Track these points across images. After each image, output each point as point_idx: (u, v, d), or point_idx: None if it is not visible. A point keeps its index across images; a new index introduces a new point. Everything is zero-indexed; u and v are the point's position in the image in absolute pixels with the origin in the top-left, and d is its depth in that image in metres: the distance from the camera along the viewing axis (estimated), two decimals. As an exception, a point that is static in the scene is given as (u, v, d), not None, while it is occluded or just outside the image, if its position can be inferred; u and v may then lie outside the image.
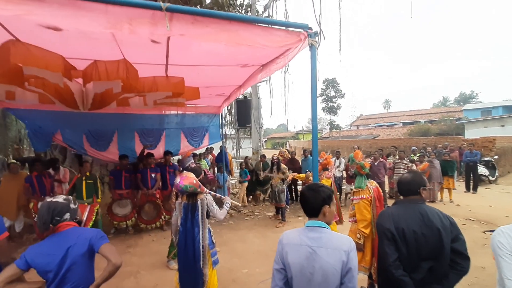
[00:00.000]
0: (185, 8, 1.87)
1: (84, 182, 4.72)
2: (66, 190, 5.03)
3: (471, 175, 8.91)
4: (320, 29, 2.35)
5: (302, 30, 2.17)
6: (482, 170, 9.93)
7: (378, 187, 3.00)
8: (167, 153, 5.80)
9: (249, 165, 7.78)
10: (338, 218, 3.95)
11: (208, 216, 2.63)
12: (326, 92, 39.40)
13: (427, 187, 1.84)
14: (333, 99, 39.45)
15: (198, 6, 6.70)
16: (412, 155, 9.08)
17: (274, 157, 6.16)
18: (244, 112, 9.54)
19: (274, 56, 2.86)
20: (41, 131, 5.02)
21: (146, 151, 5.65)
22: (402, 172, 6.97)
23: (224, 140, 7.10)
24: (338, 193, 6.35)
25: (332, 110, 39.64)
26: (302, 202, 1.51)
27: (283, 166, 6.01)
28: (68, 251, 1.54)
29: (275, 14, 8.34)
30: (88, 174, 4.83)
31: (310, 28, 2.18)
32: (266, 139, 50.48)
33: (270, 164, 6.44)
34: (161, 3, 1.73)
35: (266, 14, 8.67)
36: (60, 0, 1.60)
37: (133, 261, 4.06)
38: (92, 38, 2.38)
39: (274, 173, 5.90)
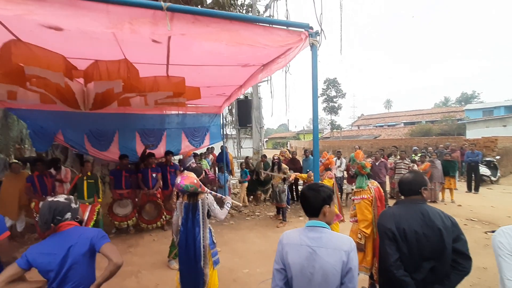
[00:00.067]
0: (186, 8, 1.88)
1: (85, 182, 4.73)
2: (67, 190, 5.04)
3: (473, 175, 8.88)
4: (321, 29, 2.35)
5: (303, 30, 2.17)
6: (483, 170, 9.89)
7: (379, 187, 2.99)
8: (168, 153, 5.81)
9: (250, 165, 7.77)
10: (342, 217, 3.94)
11: (209, 216, 2.63)
12: (327, 92, 39.36)
13: (428, 187, 1.83)
14: (334, 99, 39.40)
15: (199, 6, 6.71)
16: (413, 155, 9.06)
17: (275, 157, 6.15)
18: (245, 112, 9.55)
19: (275, 55, 2.86)
20: (42, 131, 5.04)
21: (147, 151, 5.65)
22: (403, 172, 6.95)
23: (225, 140, 7.09)
24: (339, 193, 6.34)
25: (333, 110, 39.60)
26: (302, 202, 1.50)
27: (284, 166, 6.00)
28: (69, 250, 1.54)
29: (276, 14, 8.33)
30: (89, 174, 4.85)
31: (311, 28, 2.18)
32: (267, 139, 50.49)
33: (271, 164, 6.44)
34: (162, 3, 1.73)
35: (267, 14, 8.67)
36: (61, 0, 1.60)
37: (134, 261, 4.07)
38: (93, 38, 2.38)
39: (275, 172, 5.90)
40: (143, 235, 5.22)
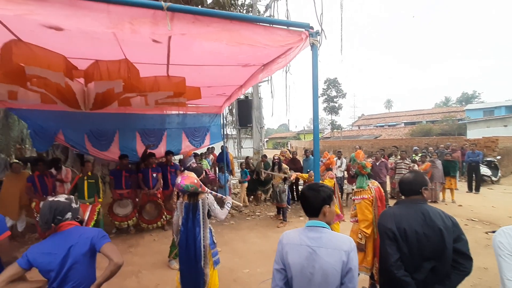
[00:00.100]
0: (186, 8, 1.88)
1: (85, 182, 4.74)
2: (68, 190, 5.05)
3: (474, 175, 8.86)
4: (322, 29, 2.35)
5: (303, 30, 2.16)
6: (484, 170, 9.88)
7: (380, 187, 2.99)
8: (169, 153, 5.81)
9: (250, 165, 7.77)
10: (343, 218, 3.94)
11: (209, 216, 2.63)
12: (327, 92, 39.34)
13: (428, 187, 1.83)
14: (335, 99, 39.36)
15: (200, 6, 6.71)
16: (414, 155, 9.05)
17: (275, 157, 6.15)
18: (246, 112, 9.54)
19: (276, 55, 2.86)
20: (43, 131, 5.05)
21: (148, 151, 5.66)
22: (403, 172, 6.95)
23: (225, 140, 7.10)
24: (339, 193, 6.33)
25: (333, 110, 39.56)
26: (302, 202, 1.50)
27: (284, 166, 6.00)
28: (69, 250, 1.54)
29: (276, 14, 8.33)
30: (89, 173, 4.85)
31: (312, 28, 2.18)
32: (267, 139, 50.46)
33: (271, 164, 6.44)
34: (162, 3, 1.74)
35: (267, 14, 8.67)
36: (62, 0, 1.60)
37: (135, 261, 4.07)
38: (94, 38, 2.38)
39: (275, 172, 5.90)
40: (144, 235, 5.22)
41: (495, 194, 8.66)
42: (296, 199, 7.64)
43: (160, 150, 6.16)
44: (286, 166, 6.05)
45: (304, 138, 41.98)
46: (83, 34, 2.27)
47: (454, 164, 7.77)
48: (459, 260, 1.63)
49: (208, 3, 7.43)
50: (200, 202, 2.56)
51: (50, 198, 1.65)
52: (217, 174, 7.04)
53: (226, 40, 1.99)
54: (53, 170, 5.16)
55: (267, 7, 8.68)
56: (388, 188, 7.70)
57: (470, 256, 1.64)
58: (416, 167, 6.98)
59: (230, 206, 2.80)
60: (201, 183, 2.57)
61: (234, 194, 8.21)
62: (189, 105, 5.84)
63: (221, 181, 6.84)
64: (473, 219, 5.91)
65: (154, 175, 5.36)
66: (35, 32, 2.19)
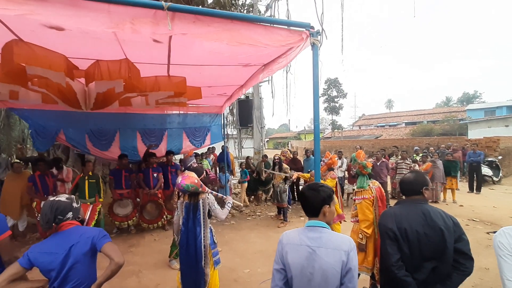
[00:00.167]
0: (187, 8, 1.88)
1: (86, 182, 4.75)
2: (69, 190, 5.06)
3: (475, 175, 8.84)
4: (322, 28, 2.35)
5: (304, 29, 2.16)
6: (485, 170, 9.85)
7: (381, 187, 2.98)
8: (169, 153, 5.81)
9: (251, 165, 7.77)
10: (344, 218, 3.94)
11: (209, 215, 2.64)
12: (328, 92, 39.24)
13: (429, 187, 1.82)
14: (335, 99, 39.27)
15: (200, 6, 6.70)
16: (414, 155, 9.04)
17: (276, 157, 6.15)
18: (246, 112, 9.54)
19: (276, 55, 2.85)
20: (44, 131, 5.07)
21: (149, 151, 5.66)
22: (404, 172, 6.94)
23: (226, 140, 7.10)
24: (341, 193, 6.33)
25: (334, 110, 39.47)
26: (302, 202, 1.50)
27: (285, 166, 6.00)
28: (70, 250, 1.54)
29: (277, 14, 8.33)
30: (90, 173, 4.86)
31: (312, 27, 2.17)
32: (268, 139, 50.43)
33: (272, 164, 6.44)
34: (163, 3, 1.74)
35: (268, 14, 8.67)
36: (62, 0, 1.61)
37: (135, 261, 4.07)
38: (95, 38, 2.39)
39: (276, 171, 5.90)
40: (144, 234, 5.23)
41: (497, 194, 8.63)
42: (296, 199, 7.63)
43: (160, 150, 6.16)
44: (287, 166, 6.05)
45: (305, 138, 41.95)
46: (84, 34, 2.27)
47: (455, 164, 7.75)
48: (460, 260, 1.63)
49: (208, 3, 7.43)
50: (200, 202, 2.56)
51: (51, 198, 1.66)
52: (217, 174, 7.04)
53: (227, 40, 1.99)
54: (54, 170, 5.17)
55: (268, 7, 8.68)
56: (389, 188, 7.68)
57: (471, 256, 1.64)
58: (417, 167, 6.97)
59: (230, 206, 2.80)
60: (201, 183, 2.57)
61: (234, 194, 8.21)
62: (189, 105, 5.85)
63: (221, 181, 6.84)
64: (474, 219, 5.90)
65: (155, 175, 5.36)
66: (36, 32, 2.19)
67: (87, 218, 4.42)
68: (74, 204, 1.69)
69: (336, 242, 1.34)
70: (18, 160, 5.40)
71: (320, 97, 2.65)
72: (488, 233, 4.97)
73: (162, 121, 6.24)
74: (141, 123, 6.01)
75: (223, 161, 7.00)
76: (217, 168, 7.33)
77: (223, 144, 7.15)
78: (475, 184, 8.83)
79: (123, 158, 5.31)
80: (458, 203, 7.34)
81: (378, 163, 6.82)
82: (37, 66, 2.48)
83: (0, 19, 2.03)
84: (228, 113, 11.05)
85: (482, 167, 9.13)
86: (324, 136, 39.49)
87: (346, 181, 7.62)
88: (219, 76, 3.82)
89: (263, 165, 7.22)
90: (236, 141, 12.06)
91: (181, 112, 6.34)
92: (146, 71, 3.28)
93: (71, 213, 1.64)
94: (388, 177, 7.25)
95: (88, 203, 4.65)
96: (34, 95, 3.62)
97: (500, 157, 11.10)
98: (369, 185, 2.90)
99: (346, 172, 7.48)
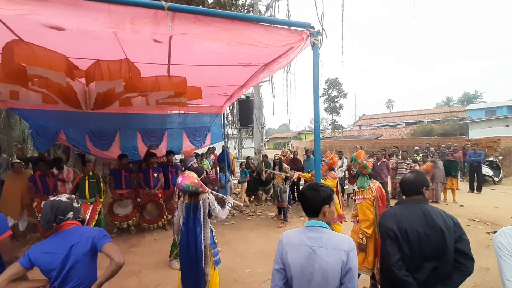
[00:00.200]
0: (187, 8, 1.88)
1: (87, 182, 4.75)
2: (69, 190, 5.06)
3: (475, 175, 8.83)
4: (322, 28, 2.34)
5: (304, 29, 2.16)
6: (486, 170, 9.84)
7: (381, 187, 2.98)
8: (170, 153, 5.82)
9: (251, 165, 7.77)
10: (345, 218, 3.94)
11: (210, 215, 2.64)
12: (328, 92, 39.27)
13: (430, 187, 1.82)
14: (336, 99, 39.30)
15: (201, 6, 6.71)
16: (415, 155, 9.03)
17: (276, 157, 6.16)
18: (246, 112, 9.55)
19: (276, 55, 2.85)
20: (44, 131, 5.07)
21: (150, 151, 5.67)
22: (405, 172, 6.93)
23: (226, 140, 7.10)
24: (341, 193, 6.33)
25: (334, 110, 39.49)
26: (302, 202, 1.50)
27: (285, 166, 6.00)
28: (71, 249, 1.54)
29: (277, 14, 8.33)
30: (91, 173, 4.86)
31: (312, 27, 2.17)
32: (268, 139, 50.42)
33: (272, 164, 6.44)
34: (163, 3, 1.74)
35: (268, 14, 8.67)
36: (63, 0, 1.61)
37: (136, 261, 4.07)
38: (95, 38, 2.39)
39: (276, 171, 5.90)
40: (145, 234, 5.23)
41: (497, 194, 8.62)
42: (297, 199, 7.63)
43: (161, 150, 6.17)
44: (287, 166, 6.05)
45: (305, 138, 41.91)
46: (84, 34, 2.27)
47: (456, 164, 7.75)
48: (461, 260, 1.63)
49: (209, 3, 7.43)
50: (201, 202, 2.56)
51: (52, 198, 1.66)
52: (218, 174, 7.05)
53: (227, 40, 1.99)
54: (54, 170, 5.18)
55: (268, 7, 8.68)
56: (389, 188, 7.68)
57: (471, 256, 1.64)
58: (417, 167, 6.96)
59: (231, 206, 2.80)
60: (201, 183, 2.57)
61: (235, 194, 8.21)
62: (190, 105, 5.85)
63: (222, 181, 6.84)
64: (474, 219, 5.89)
65: (155, 175, 5.36)
66: (37, 32, 2.20)
67: (87, 218, 4.43)
68: (75, 204, 1.69)
69: (336, 242, 1.34)
70: (18, 160, 5.41)
71: (320, 97, 2.65)
72: (488, 233, 4.97)
73: (162, 121, 6.24)
74: (141, 123, 6.01)
75: (223, 161, 7.01)
76: (218, 168, 7.33)
77: (224, 144, 7.15)
78: (475, 184, 8.81)
79: (123, 158, 5.31)
80: (459, 203, 7.33)
81: (378, 163, 6.82)
82: (37, 66, 2.48)
83: (1, 19, 2.03)
84: (228, 113, 11.06)
85: (482, 167, 9.12)
86: (324, 136, 39.49)
87: (346, 181, 7.62)
88: (220, 76, 3.83)
89: (264, 165, 7.22)
90: (237, 141, 12.07)
91: (182, 112, 6.34)
92: (147, 71, 3.29)
93: (71, 213, 1.65)
94: (389, 177, 7.25)
95: (89, 203, 4.65)
96: (35, 95, 3.62)
97: (500, 157, 11.09)
98: (369, 185, 2.89)
99: (347, 172, 7.47)
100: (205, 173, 3.05)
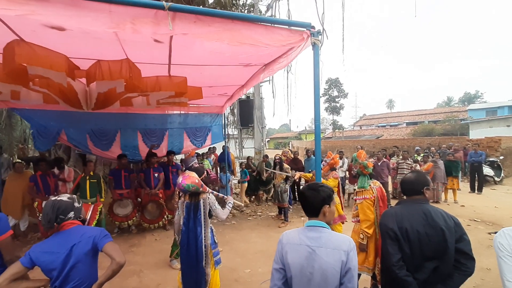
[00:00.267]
0: (187, 8, 1.88)
1: (88, 182, 4.75)
2: (70, 189, 5.07)
3: (476, 175, 8.81)
4: (323, 28, 2.35)
5: (304, 29, 2.16)
6: (487, 170, 9.81)
7: (382, 187, 2.98)
8: (170, 153, 5.82)
9: (251, 165, 7.77)
10: (346, 218, 3.93)
11: (210, 215, 2.64)
12: (329, 92, 39.20)
13: (430, 187, 1.82)
14: (336, 99, 39.24)
15: (201, 6, 6.71)
16: (415, 155, 9.01)
17: (277, 157, 6.16)
18: (247, 112, 9.54)
19: (277, 55, 2.85)
20: (45, 131, 5.08)
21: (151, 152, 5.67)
22: (405, 172, 6.92)
23: (226, 140, 7.10)
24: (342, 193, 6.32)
25: (335, 110, 39.43)
26: (302, 202, 1.50)
27: (285, 166, 6.00)
28: (72, 249, 1.55)
29: (278, 14, 8.32)
30: (91, 173, 4.87)
31: (313, 27, 2.17)
32: (269, 139, 50.38)
33: (272, 164, 6.44)
34: (164, 3, 1.74)
35: (268, 14, 8.66)
36: (63, 0, 1.61)
37: (136, 260, 4.08)
38: (96, 38, 2.39)
39: (277, 170, 5.90)
40: (145, 234, 5.23)
41: (498, 195, 8.60)
42: (297, 199, 7.63)
43: (161, 150, 6.18)
44: (288, 166, 6.05)
45: (306, 138, 41.90)
46: (85, 34, 2.28)
47: (457, 164, 7.73)
48: (462, 260, 1.62)
49: (209, 3, 7.43)
50: (201, 202, 2.56)
51: (53, 198, 1.66)
52: (218, 174, 7.05)
53: (228, 40, 1.99)
54: (55, 170, 5.19)
55: (269, 7, 8.67)
56: (390, 188, 7.67)
57: (472, 256, 1.63)
58: (418, 167, 6.95)
59: (231, 206, 2.81)
60: (202, 183, 2.57)
61: (235, 194, 8.21)
62: (190, 105, 5.85)
63: (222, 181, 6.85)
64: (475, 219, 5.88)
65: (156, 175, 5.37)
66: (37, 32, 2.20)
67: (88, 218, 4.43)
68: (76, 204, 1.69)
69: (336, 242, 1.34)
70: (19, 160, 5.43)
71: (321, 97, 2.64)
72: (489, 233, 4.96)
73: (163, 121, 6.25)
74: (142, 123, 6.02)
75: (224, 161, 7.01)
76: (218, 168, 7.33)
77: (224, 144, 7.16)
78: (476, 184, 8.80)
79: (122, 158, 5.32)
80: (460, 203, 7.32)
81: (379, 163, 6.81)
82: (38, 66, 2.49)
83: (2, 19, 2.03)
84: (229, 113, 11.05)
85: (483, 167, 9.10)
86: (325, 136, 39.46)
87: (347, 181, 7.61)
88: (220, 76, 3.83)
89: (264, 165, 7.22)
90: (237, 141, 12.07)
91: (182, 112, 6.35)
92: (147, 71, 3.29)
93: (72, 212, 1.65)
94: (389, 177, 7.24)
95: (90, 203, 4.65)
96: (36, 95, 3.63)
97: (501, 157, 11.06)
98: (370, 185, 2.89)
99: (347, 172, 7.47)
100: (205, 173, 3.05)
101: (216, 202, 2.68)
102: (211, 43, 2.44)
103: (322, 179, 3.34)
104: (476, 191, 8.73)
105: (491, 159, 10.68)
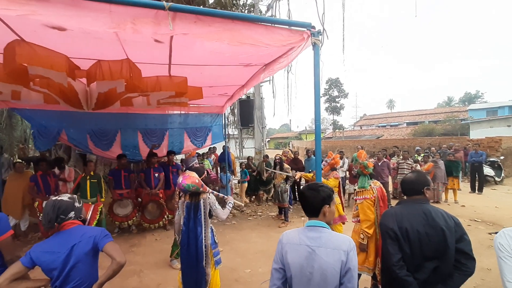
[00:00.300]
0: (188, 8, 1.88)
1: (88, 181, 4.76)
2: (70, 189, 5.07)
3: (477, 175, 8.80)
4: (323, 28, 2.35)
5: (305, 29, 2.16)
6: (487, 170, 9.80)
7: (382, 187, 2.97)
8: (170, 153, 5.83)
9: (252, 165, 7.77)
10: (346, 219, 3.93)
11: (210, 215, 2.64)
12: (329, 92, 39.21)
13: (431, 187, 1.82)
14: (337, 99, 39.24)
15: (201, 6, 6.72)
16: (416, 155, 9.01)
17: (277, 157, 6.16)
18: (247, 112, 9.54)
19: (277, 55, 2.85)
20: (46, 131, 5.09)
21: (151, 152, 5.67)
22: (406, 172, 6.92)
23: (227, 140, 7.10)
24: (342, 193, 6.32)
25: (335, 110, 39.43)
26: (302, 202, 1.50)
27: (286, 166, 6.00)
28: (72, 249, 1.55)
29: (278, 14, 8.32)
30: (92, 173, 4.87)
31: (313, 27, 2.17)
32: (269, 139, 50.37)
33: (272, 164, 6.44)
34: (164, 3, 1.74)
35: (269, 14, 8.66)
36: (64, 0, 1.61)
37: (137, 260, 4.08)
38: (96, 38, 2.39)
39: (277, 170, 5.90)
40: (146, 234, 5.24)
41: (499, 195, 8.59)
42: (297, 199, 7.62)
43: (162, 150, 6.18)
44: (288, 166, 6.05)
45: (306, 138, 41.88)
46: (85, 34, 2.28)
47: (457, 164, 7.72)
48: (462, 260, 1.62)
49: (210, 3, 7.44)
50: (201, 202, 2.56)
51: (53, 198, 1.66)
52: (218, 174, 7.05)
53: (228, 40, 1.99)
54: (56, 170, 5.19)
55: (269, 7, 8.67)
56: (390, 188, 7.67)
57: (473, 256, 1.63)
58: (418, 167, 6.95)
59: (231, 206, 2.81)
60: (202, 183, 2.57)
61: (235, 194, 8.21)
62: (191, 105, 5.85)
63: (222, 181, 6.85)
64: (476, 219, 5.88)
65: (156, 175, 5.37)
66: (38, 32, 2.20)
67: (88, 217, 4.43)
68: (76, 204, 1.69)
69: (336, 242, 1.34)
70: (20, 160, 5.43)
71: (321, 97, 2.65)
72: (490, 233, 4.95)
73: (163, 121, 6.25)
74: (142, 123, 6.03)
75: (224, 161, 7.01)
76: (218, 168, 7.33)
77: (224, 144, 7.16)
78: (477, 184, 8.79)
79: (122, 158, 5.32)
80: (460, 203, 7.31)
81: (379, 163, 6.81)
82: (39, 66, 2.49)
83: (2, 20, 2.04)
84: (229, 113, 11.06)
85: (484, 167, 9.09)
86: (325, 136, 39.45)
87: (347, 181, 7.61)
88: (220, 76, 3.83)
89: (264, 165, 7.23)
90: (237, 141, 12.07)
91: (182, 112, 6.35)
92: (148, 71, 3.29)
93: (73, 212, 1.65)
94: (390, 177, 7.23)
95: (90, 203, 4.66)
96: (36, 95, 3.63)
97: (502, 157, 11.05)
98: (370, 185, 2.89)
99: (348, 172, 7.47)
100: (206, 173, 3.05)
101: (217, 202, 2.68)
102: (211, 43, 2.44)
103: (322, 179, 3.35)
104: (476, 191, 8.72)
105: (491, 159, 10.67)
